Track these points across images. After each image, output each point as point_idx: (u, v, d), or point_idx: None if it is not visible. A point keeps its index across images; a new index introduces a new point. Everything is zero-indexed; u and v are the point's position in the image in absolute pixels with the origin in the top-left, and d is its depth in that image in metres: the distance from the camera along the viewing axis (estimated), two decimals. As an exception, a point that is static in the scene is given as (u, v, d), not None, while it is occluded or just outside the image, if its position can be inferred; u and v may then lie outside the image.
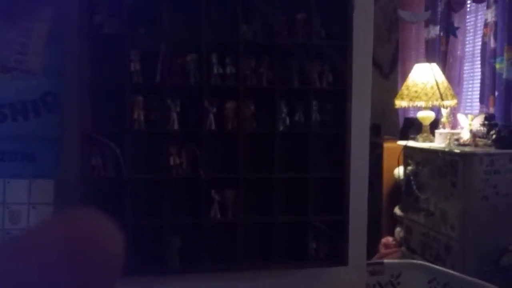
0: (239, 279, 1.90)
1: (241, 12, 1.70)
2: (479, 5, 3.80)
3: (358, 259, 1.95)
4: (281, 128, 1.83)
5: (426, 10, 4.27)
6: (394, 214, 4.43)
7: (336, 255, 1.88)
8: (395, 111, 4.75)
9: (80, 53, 1.68)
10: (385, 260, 3.58)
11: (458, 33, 4.00)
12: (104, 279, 0.68)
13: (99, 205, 1.70)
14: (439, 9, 4.14)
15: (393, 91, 4.52)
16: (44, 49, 1.71)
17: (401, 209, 4.28)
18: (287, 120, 1.84)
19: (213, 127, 1.79)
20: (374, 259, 4.13)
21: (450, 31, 3.88)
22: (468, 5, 3.97)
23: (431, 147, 3.81)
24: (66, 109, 1.74)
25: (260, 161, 1.86)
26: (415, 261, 3.51)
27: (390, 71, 5.13)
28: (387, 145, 4.46)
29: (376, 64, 4.80)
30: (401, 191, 4.27)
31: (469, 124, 3.73)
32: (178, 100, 1.78)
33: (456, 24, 4.00)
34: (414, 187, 4.00)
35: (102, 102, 1.75)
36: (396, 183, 4.44)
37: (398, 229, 4.42)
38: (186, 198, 1.83)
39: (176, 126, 1.78)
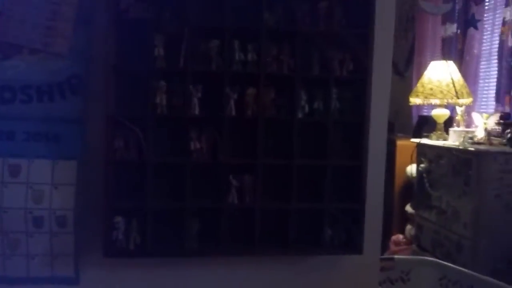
0: (256, 263, 1.93)
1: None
2: (498, 3, 3.79)
3: (372, 249, 1.97)
4: (300, 116, 1.85)
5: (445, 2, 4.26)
6: (405, 212, 4.43)
7: (352, 243, 1.89)
8: (409, 109, 4.75)
9: (106, 37, 1.72)
10: (396, 256, 3.58)
11: (475, 31, 3.99)
12: None
13: (120, 187, 1.74)
14: (457, 6, 4.13)
15: (408, 89, 4.51)
16: (72, 32, 1.74)
17: (413, 206, 4.28)
18: (307, 108, 1.86)
19: (233, 113, 1.82)
20: (385, 256, 4.13)
21: (472, 23, 3.86)
22: (487, 3, 3.96)
23: (445, 145, 3.80)
24: (91, 92, 1.78)
25: (279, 148, 1.88)
26: (426, 257, 3.51)
27: (405, 69, 5.12)
28: (400, 142, 4.46)
29: (391, 62, 4.80)
30: (413, 188, 4.27)
31: (484, 122, 3.71)
32: (200, 86, 1.80)
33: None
34: (427, 184, 4.00)
35: (126, 86, 1.78)
36: (408, 180, 4.43)
37: (409, 227, 4.42)
38: (205, 182, 1.86)
39: (197, 111, 1.81)
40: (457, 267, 3.20)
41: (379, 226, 1.99)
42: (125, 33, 1.74)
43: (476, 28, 3.98)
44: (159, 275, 1.90)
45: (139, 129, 1.77)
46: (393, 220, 4.51)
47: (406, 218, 4.44)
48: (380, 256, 2.13)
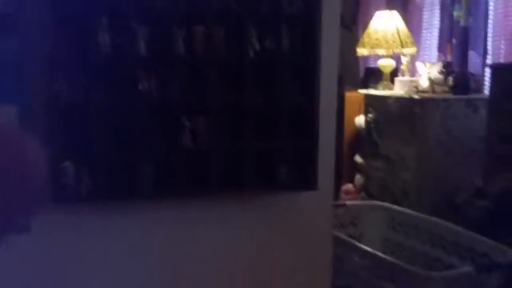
0: (211, 205, 1.92)
1: None
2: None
3: (326, 184, 2.00)
4: (251, 54, 1.82)
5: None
6: (355, 162, 4.55)
7: (305, 180, 1.92)
8: (357, 62, 4.81)
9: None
10: (347, 202, 3.70)
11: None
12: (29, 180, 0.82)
13: (66, 132, 1.66)
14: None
15: (355, 43, 4.55)
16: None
17: (362, 156, 4.40)
18: (257, 46, 1.83)
19: (182, 51, 1.76)
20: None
21: None
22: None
23: (391, 95, 3.90)
24: (27, 31, 1.66)
25: (231, 88, 1.85)
26: (375, 202, 3.65)
27: (352, 23, 5.15)
28: (348, 94, 4.53)
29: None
30: (362, 139, 4.38)
31: (428, 72, 3.82)
32: (145, 24, 1.73)
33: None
34: (375, 134, 4.11)
35: (65, 24, 1.68)
36: (357, 131, 4.54)
37: (358, 176, 4.55)
38: (157, 125, 1.81)
39: (143, 51, 1.74)
40: (403, 209, 3.36)
41: (332, 162, 2.02)
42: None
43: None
44: (112, 219, 1.86)
45: (82, 69, 1.68)
46: (343, 171, 4.62)
47: (355, 168, 4.56)
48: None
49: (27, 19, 1.67)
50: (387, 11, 3.97)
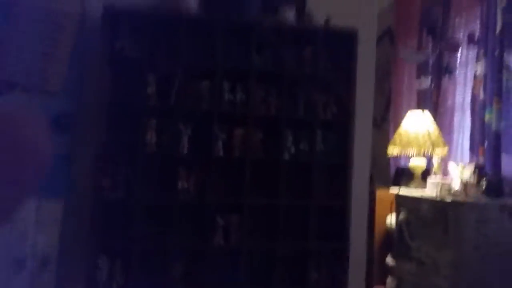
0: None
1: (254, 43, 1.79)
2: (469, 58, 4.00)
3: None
4: (286, 157, 1.88)
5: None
6: (386, 264, 4.41)
7: (336, 283, 1.87)
8: (387, 161, 4.83)
9: (99, 76, 1.74)
10: (378, 307, 3.53)
11: (449, 84, 4.16)
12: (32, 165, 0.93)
13: (106, 226, 1.71)
14: (431, 60, 4.33)
15: (385, 142, 4.61)
16: (65, 72, 1.76)
17: (393, 257, 4.26)
18: (292, 149, 1.89)
19: (221, 153, 1.83)
20: (366, 308, 4.05)
21: (447, 71, 4.02)
22: (458, 59, 4.17)
23: (423, 196, 3.86)
24: (80, 130, 1.78)
25: (265, 188, 1.89)
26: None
27: (382, 121, 5.25)
28: (379, 193, 4.50)
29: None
30: (393, 239, 4.27)
31: (460, 173, 3.80)
32: (190, 124, 1.83)
33: (446, 77, 4.18)
34: (406, 235, 4.01)
35: (116, 124, 1.79)
36: (388, 231, 4.44)
37: (389, 279, 4.38)
38: (192, 222, 1.84)
39: (186, 150, 1.82)
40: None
41: (363, 265, 1.98)
42: (119, 72, 1.77)
43: (450, 75, 4.14)
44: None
45: (128, 167, 1.76)
46: (374, 272, 4.46)
47: (387, 270, 4.40)
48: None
49: (81, 120, 1.79)
50: (419, 111, 4.04)
